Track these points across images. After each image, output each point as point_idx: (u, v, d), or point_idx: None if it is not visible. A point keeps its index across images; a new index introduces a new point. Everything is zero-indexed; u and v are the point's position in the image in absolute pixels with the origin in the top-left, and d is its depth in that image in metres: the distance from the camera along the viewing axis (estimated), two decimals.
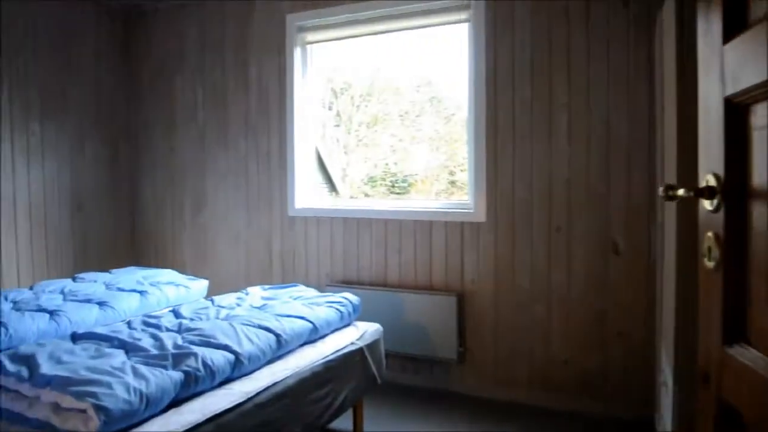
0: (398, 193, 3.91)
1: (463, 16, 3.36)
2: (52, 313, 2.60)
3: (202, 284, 3.43)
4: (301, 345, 2.40)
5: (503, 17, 3.20)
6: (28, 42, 3.83)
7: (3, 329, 2.37)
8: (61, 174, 4.05)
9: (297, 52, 3.82)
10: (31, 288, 3.12)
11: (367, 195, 3.99)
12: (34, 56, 3.87)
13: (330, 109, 4.08)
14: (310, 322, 2.46)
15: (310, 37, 3.82)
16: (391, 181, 3.96)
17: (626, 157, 2.98)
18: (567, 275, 3.12)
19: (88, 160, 4.25)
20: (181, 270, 4.08)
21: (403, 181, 3.93)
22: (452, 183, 3.82)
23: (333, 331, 2.65)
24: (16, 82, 3.76)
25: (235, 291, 3.93)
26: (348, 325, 2.79)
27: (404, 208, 3.60)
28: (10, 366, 1.78)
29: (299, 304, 2.70)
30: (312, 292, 2.99)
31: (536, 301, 3.20)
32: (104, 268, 4.11)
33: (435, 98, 3.91)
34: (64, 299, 2.87)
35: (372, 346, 2.72)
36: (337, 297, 2.84)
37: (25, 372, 1.73)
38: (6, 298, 2.84)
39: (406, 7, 3.43)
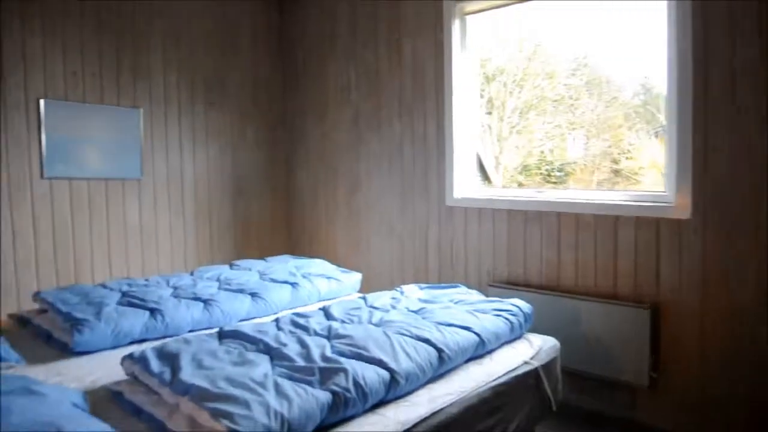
0: (554, 183, 3.39)
1: None
2: (206, 303, 2.53)
3: (355, 278, 3.22)
4: (465, 362, 2.03)
5: None
6: (192, 28, 3.91)
7: (159, 317, 2.33)
8: (223, 158, 4.12)
9: (455, 25, 3.42)
10: (191, 273, 3.14)
11: (521, 184, 3.54)
12: (197, 43, 3.94)
13: (482, 95, 3.65)
14: (476, 334, 2.07)
15: (469, 6, 3.40)
16: (546, 170, 3.45)
17: None
18: None
19: (248, 145, 4.28)
20: (334, 259, 3.94)
21: (560, 169, 3.39)
22: (616, 172, 3.21)
23: (501, 345, 2.24)
24: (183, 67, 3.86)
25: (388, 286, 3.71)
26: (518, 338, 2.36)
27: (582, 199, 3.03)
28: (155, 364, 1.64)
29: (462, 310, 2.32)
30: (475, 296, 2.60)
31: (762, 322, 2.48)
32: (262, 253, 4.13)
33: (594, 81, 3.32)
34: (219, 287, 2.81)
35: (548, 366, 2.26)
36: (505, 304, 2.41)
37: (167, 375, 1.57)
38: (168, 283, 2.86)
39: None
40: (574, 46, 3.36)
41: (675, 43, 2.65)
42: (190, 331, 2.41)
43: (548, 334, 2.49)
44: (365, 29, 3.90)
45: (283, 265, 3.25)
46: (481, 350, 2.10)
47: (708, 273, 2.60)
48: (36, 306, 2.64)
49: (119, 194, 3.57)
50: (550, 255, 3.10)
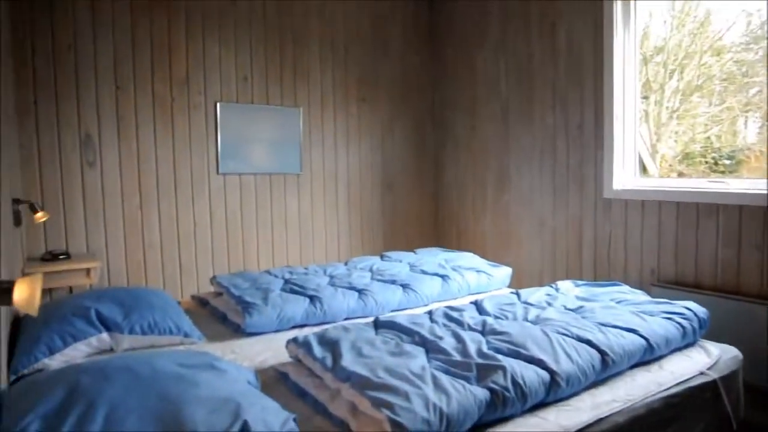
0: (722, 172, 2.98)
1: None
2: (360, 292, 2.63)
3: (505, 272, 3.14)
4: (631, 368, 1.88)
5: None
6: (346, 27, 4.07)
7: (318, 304, 2.46)
8: (374, 154, 4.26)
9: (617, 5, 3.16)
10: (345, 264, 3.28)
11: (681, 174, 3.17)
12: (351, 41, 4.10)
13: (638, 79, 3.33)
14: (644, 337, 1.90)
15: None
16: (713, 158, 3.05)
17: None
18: None
19: (397, 140, 4.37)
20: (482, 254, 3.88)
21: (730, 157, 2.97)
22: None
23: (671, 352, 2.04)
24: (337, 66, 4.04)
25: (539, 282, 3.58)
26: (691, 345, 2.13)
27: None
28: (317, 350, 1.74)
29: (626, 311, 2.15)
30: (640, 296, 2.39)
31: None
32: (409, 246, 4.20)
33: None
34: (372, 278, 2.90)
35: (728, 378, 2.01)
36: (676, 306, 2.19)
37: (329, 360, 1.65)
38: (324, 272, 3.02)
39: None
40: (748, 15, 2.93)
41: None
42: (346, 318, 2.52)
43: (726, 343, 2.22)
44: (516, 15, 3.77)
45: (432, 257, 3.27)
46: (648, 356, 1.93)
47: None
48: (212, 289, 2.94)
49: (281, 188, 3.85)
50: (728, 253, 2.76)
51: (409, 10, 4.39)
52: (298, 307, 2.43)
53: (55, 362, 1.90)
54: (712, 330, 2.39)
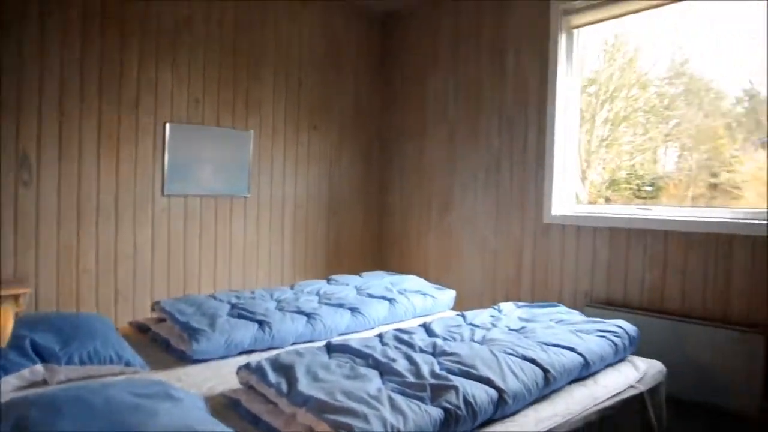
0: (644, 198, 3.24)
1: None
2: (309, 316, 2.64)
3: (449, 295, 3.24)
4: (569, 383, 1.99)
5: None
6: (301, 53, 4.12)
7: (267, 329, 2.46)
8: (321, 179, 4.30)
9: (561, 39, 3.40)
10: (292, 288, 3.28)
11: (608, 200, 3.42)
12: (305, 67, 4.16)
13: None
14: (581, 355, 2.03)
15: (576, 20, 3.37)
16: (636, 185, 3.31)
17: None
18: None
19: (345, 165, 4.44)
20: (424, 276, 3.98)
21: (651, 184, 3.24)
22: (713, 186, 3.02)
23: (604, 368, 2.18)
24: (290, 92, 4.08)
25: (480, 303, 3.70)
26: (622, 360, 2.29)
27: (694, 217, 2.89)
28: (271, 376, 1.74)
29: (565, 330, 2.29)
30: (576, 316, 2.55)
31: None
32: (352, 270, 4.25)
33: (691, 90, 3.16)
34: (320, 301, 2.92)
35: (654, 390, 2.18)
36: (609, 325, 2.35)
37: (284, 386, 1.66)
38: (272, 296, 3.01)
39: None
40: (671, 53, 3.23)
41: None
42: (293, 343, 2.52)
43: (652, 358, 2.39)
44: (467, 42, 3.93)
45: (378, 280, 3.33)
46: (585, 372, 2.06)
47: None
48: (153, 314, 2.85)
49: (227, 210, 3.81)
50: (654, 275, 2.98)
51: (363, 34, 4.50)
52: (247, 332, 2.41)
53: None
54: (640, 346, 2.56)
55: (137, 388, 1.48)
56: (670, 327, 2.82)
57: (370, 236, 4.62)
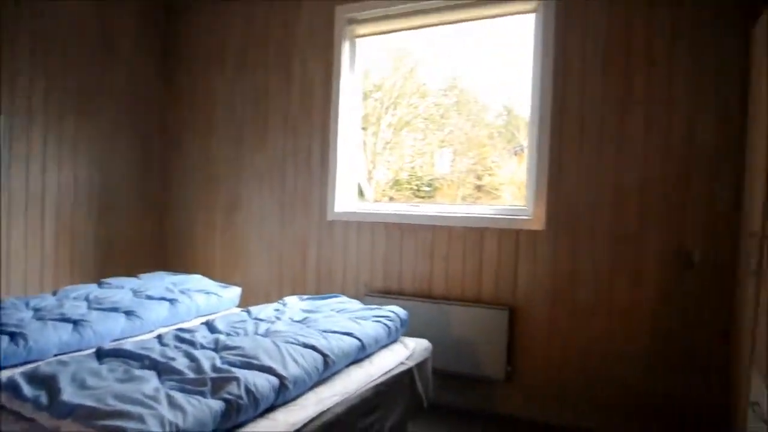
0: (422, 197, 3.67)
1: (530, 6, 3.10)
2: (75, 323, 2.39)
3: (234, 292, 3.21)
4: (347, 365, 2.15)
5: (576, 5, 2.93)
6: (68, 31, 3.66)
7: (22, 341, 2.17)
8: (92, 171, 3.88)
9: (345, 47, 3.60)
10: (54, 294, 2.93)
11: (392, 199, 3.78)
12: (73, 47, 3.70)
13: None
14: (358, 339, 2.20)
15: (360, 30, 3.61)
16: (416, 185, 3.73)
17: (709, 162, 2.67)
18: (632, 289, 2.83)
19: (121, 159, 4.07)
20: (211, 276, 3.88)
21: (428, 185, 3.68)
22: (478, 188, 3.58)
23: (380, 349, 2.40)
24: (54, 73, 3.60)
25: (267, 299, 3.74)
26: (395, 341, 2.54)
27: (455, 213, 3.32)
28: (27, 389, 1.56)
29: (344, 318, 2.45)
30: (356, 305, 2.74)
31: (596, 317, 2.91)
32: (131, 272, 3.93)
33: (462, 102, 3.69)
34: (89, 307, 2.66)
35: (421, 365, 2.46)
36: (384, 310, 2.58)
37: (44, 398, 1.51)
38: (27, 305, 2.65)
39: None
40: (446, 68, 3.67)
41: (539, 75, 3.04)
42: (56, 354, 2.27)
43: (421, 338, 2.70)
44: (256, 44, 3.93)
45: (159, 281, 3.15)
46: (362, 354, 2.23)
47: (556, 276, 3.00)
48: None
49: None
50: (424, 265, 3.35)
51: (145, 27, 4.17)
52: None
53: None
54: (412, 328, 2.87)
55: None
56: (436, 309, 3.21)
57: (151, 235, 4.32)
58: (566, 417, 2.96)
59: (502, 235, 3.13)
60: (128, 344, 1.97)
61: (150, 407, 1.40)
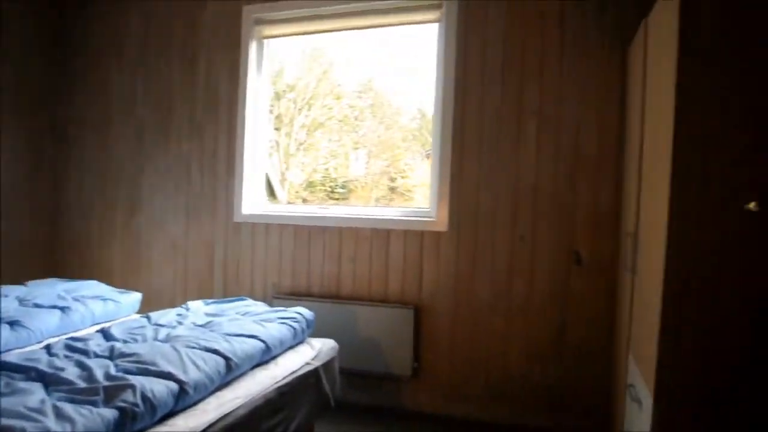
0: (337, 199, 3.72)
1: (433, 15, 3.22)
2: None
3: (134, 298, 3.08)
4: (252, 368, 2.14)
5: (476, 19, 3.08)
6: None
7: None
8: None
9: (252, 47, 3.56)
10: None
11: (305, 200, 3.79)
12: None
13: (271, 111, 3.82)
14: (263, 341, 2.20)
15: (268, 31, 3.58)
16: (330, 187, 3.77)
17: (593, 168, 2.91)
18: (528, 287, 3.02)
19: (5, 157, 3.77)
20: (110, 282, 3.69)
21: (342, 186, 3.74)
22: (392, 189, 3.68)
23: (285, 351, 2.41)
24: None
25: (172, 304, 3.62)
26: (301, 342, 2.55)
27: (363, 215, 3.38)
28: None
29: (249, 320, 2.43)
30: (261, 307, 2.73)
31: (495, 314, 3.08)
32: (16, 279, 3.66)
33: (376, 104, 3.78)
34: None
35: (327, 365, 2.49)
36: (290, 312, 2.59)
37: None
38: None
39: (375, 3, 3.27)
40: (361, 71, 3.72)
41: (442, 82, 3.17)
42: None
43: (329, 338, 2.73)
44: (158, 40, 3.79)
45: (49, 289, 2.96)
46: (267, 356, 2.23)
47: (458, 275, 3.14)
48: None
49: None
50: (332, 266, 3.38)
51: (34, 15, 3.88)
52: None
53: None
54: (319, 328, 2.89)
55: None
56: (344, 309, 3.25)
57: (40, 240, 4.04)
58: (469, 409, 3.10)
59: (408, 237, 3.23)
60: (11, 356, 1.85)
61: (35, 420, 1.33)
